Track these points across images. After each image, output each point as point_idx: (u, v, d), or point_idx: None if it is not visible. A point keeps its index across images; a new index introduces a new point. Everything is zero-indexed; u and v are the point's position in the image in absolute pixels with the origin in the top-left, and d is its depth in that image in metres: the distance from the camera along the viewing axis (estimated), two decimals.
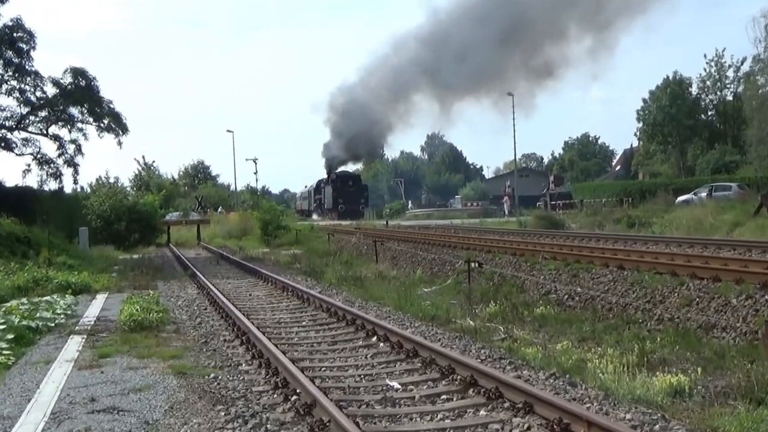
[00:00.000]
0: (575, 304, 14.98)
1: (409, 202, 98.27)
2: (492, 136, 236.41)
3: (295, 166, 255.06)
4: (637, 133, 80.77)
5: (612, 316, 13.59)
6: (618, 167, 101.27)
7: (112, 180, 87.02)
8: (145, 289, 19.53)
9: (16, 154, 36.31)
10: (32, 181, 58.18)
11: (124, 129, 37.93)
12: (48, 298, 17.05)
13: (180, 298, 18.18)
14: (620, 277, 15.55)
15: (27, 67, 34.73)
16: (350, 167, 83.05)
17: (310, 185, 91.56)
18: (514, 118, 73.05)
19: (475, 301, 16.25)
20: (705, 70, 72.87)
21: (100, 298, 18.31)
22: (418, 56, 73.40)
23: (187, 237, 52.74)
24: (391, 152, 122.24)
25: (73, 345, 11.63)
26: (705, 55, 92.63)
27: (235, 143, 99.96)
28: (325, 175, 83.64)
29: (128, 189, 76.47)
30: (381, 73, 78.06)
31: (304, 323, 13.75)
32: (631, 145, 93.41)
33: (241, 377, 9.09)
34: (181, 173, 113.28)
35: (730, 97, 71.37)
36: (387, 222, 53.55)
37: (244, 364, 9.90)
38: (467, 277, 18.13)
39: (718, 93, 72.23)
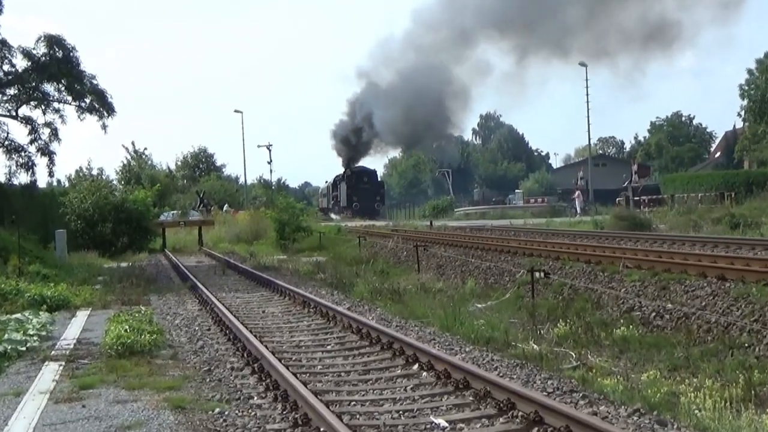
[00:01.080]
0: (665, 324, 15.00)
1: (459, 197, 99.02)
2: (567, 116, 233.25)
3: (318, 154, 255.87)
4: (741, 113, 79.12)
5: (711, 338, 13.60)
6: (718, 154, 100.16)
7: (95, 172, 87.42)
8: (136, 304, 19.72)
9: None
10: None
11: (110, 110, 38.03)
12: (18, 315, 17.20)
13: (178, 316, 18.35)
14: (721, 291, 15.48)
15: None
16: (373, 161, 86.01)
17: (332, 180, 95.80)
18: (587, 93, 72.22)
19: (541, 319, 16.35)
20: None
21: (81, 316, 18.44)
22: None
23: (187, 241, 53.31)
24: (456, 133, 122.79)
25: (49, 373, 11.75)
26: None
27: (244, 126, 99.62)
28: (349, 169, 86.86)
29: (115, 183, 76.75)
30: (437, 32, 79.85)
31: (329, 347, 13.93)
32: (734, 126, 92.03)
33: (253, 413, 9.18)
34: (179, 163, 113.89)
35: None
36: (431, 222, 53.74)
37: (256, 397, 10.01)
38: (530, 290, 18.25)
39: None
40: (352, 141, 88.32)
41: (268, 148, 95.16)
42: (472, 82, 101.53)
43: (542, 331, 15.07)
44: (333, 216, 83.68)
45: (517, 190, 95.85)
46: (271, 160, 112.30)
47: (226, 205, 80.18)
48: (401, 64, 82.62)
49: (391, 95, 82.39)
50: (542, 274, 19.17)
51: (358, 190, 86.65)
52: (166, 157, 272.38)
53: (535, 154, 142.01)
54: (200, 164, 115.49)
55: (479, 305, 19.05)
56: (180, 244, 52.10)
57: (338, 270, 28.34)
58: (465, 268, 26.15)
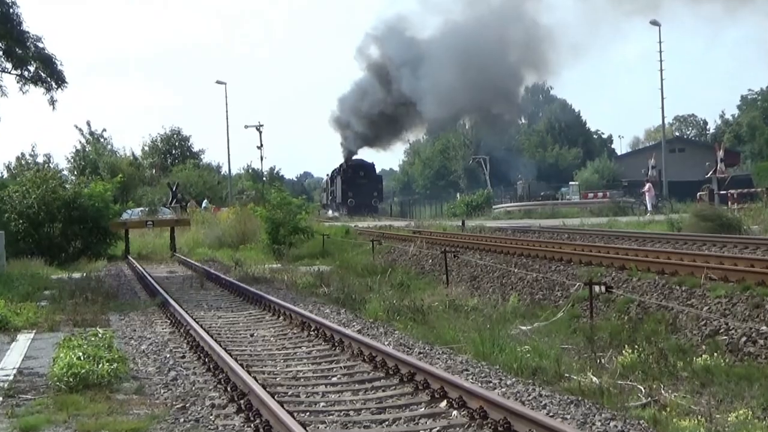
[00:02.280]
0: (758, 351, 14.97)
1: (498, 191, 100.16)
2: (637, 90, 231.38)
3: (321, 139, 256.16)
4: None
5: None
6: None
7: (41, 159, 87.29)
8: (92, 325, 19.86)
9: None
10: None
11: (60, 80, 37.72)
12: None
13: (145, 340, 18.51)
14: None
15: None
16: (378, 155, 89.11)
17: (331, 172, 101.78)
18: (661, 57, 72.03)
19: (601, 345, 16.50)
20: None
21: (23, 340, 18.64)
22: None
23: (156, 246, 53.77)
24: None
25: None
26: None
27: (228, 103, 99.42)
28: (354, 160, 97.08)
29: (65, 173, 76.79)
30: None
31: (334, 379, 14.06)
32: None
33: None
34: (146, 149, 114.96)
35: None
36: (463, 222, 53.28)
37: None
38: (588, 308, 18.44)
39: None
40: (359, 121, 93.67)
41: (258, 129, 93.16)
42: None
43: (603, 360, 15.28)
44: (330, 213, 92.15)
45: (571, 183, 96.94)
46: (261, 145, 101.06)
47: (205, 201, 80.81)
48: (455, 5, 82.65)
49: (438, 50, 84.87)
50: (603, 289, 19.39)
51: (354, 184, 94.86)
52: (130, 140, 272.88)
53: (595, 136, 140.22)
54: (173, 149, 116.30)
55: (523, 327, 19.27)
56: (147, 249, 52.46)
57: (346, 282, 28.53)
58: (506, 281, 26.39)
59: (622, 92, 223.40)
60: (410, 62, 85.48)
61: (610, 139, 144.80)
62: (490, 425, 10.27)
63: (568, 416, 10.86)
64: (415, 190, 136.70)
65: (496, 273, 27.31)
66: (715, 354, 14.94)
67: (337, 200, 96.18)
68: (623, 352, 15.33)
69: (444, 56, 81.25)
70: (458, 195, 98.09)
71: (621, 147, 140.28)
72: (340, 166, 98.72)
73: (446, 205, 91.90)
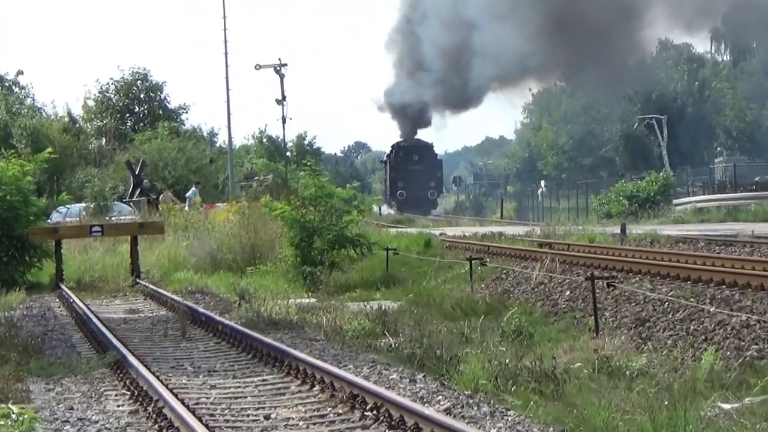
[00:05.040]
0: None
1: (681, 176, 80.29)
2: None
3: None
4: None
5: None
6: None
7: None
8: (1, 400, 16.28)
9: None
10: None
11: None
12: None
13: (88, 427, 14.80)
14: None
15: None
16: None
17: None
18: None
19: None
20: None
21: None
22: None
23: (107, 268, 43.56)
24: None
25: None
26: None
27: (227, 31, 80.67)
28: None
29: None
30: None
31: None
32: None
33: None
34: (90, 104, 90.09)
35: None
36: (624, 228, 41.94)
37: None
38: None
39: None
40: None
41: (278, 72, 70.29)
42: None
43: None
44: (384, 209, 79.20)
45: None
46: (284, 98, 72.73)
47: (192, 190, 62.23)
48: None
49: None
50: None
51: (404, 173, 79.40)
52: (63, 92, 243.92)
53: None
54: (136, 105, 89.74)
55: (726, 405, 15.00)
56: (93, 273, 42.35)
57: (426, 329, 22.61)
58: (697, 326, 20.23)
59: None
60: None
61: None
62: None
63: None
64: (542, 171, 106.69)
65: (678, 313, 21.36)
66: None
67: (387, 192, 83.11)
68: None
69: None
70: (619, 182, 72.02)
71: None
72: (392, 147, 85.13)
73: (594, 199, 69.72)
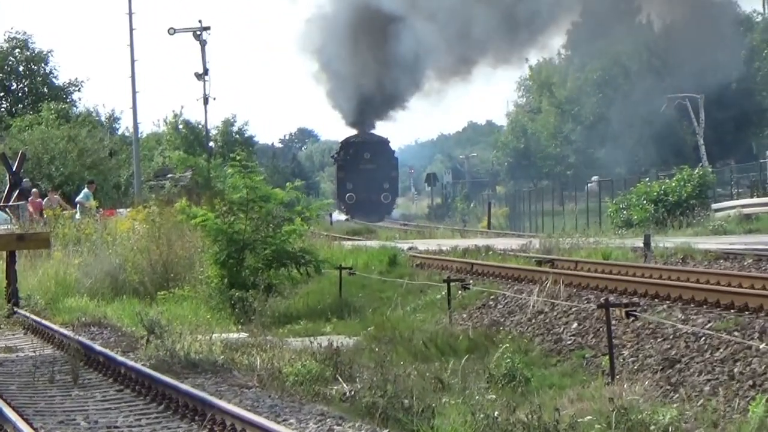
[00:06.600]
0: None
1: (722, 172, 77.36)
2: None
3: None
4: None
5: None
6: None
7: None
8: None
9: None
10: None
11: None
12: None
13: None
14: None
15: None
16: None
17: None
18: None
19: None
20: None
21: None
22: None
23: None
24: None
25: None
26: None
27: None
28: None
29: None
30: None
31: None
32: None
33: None
34: None
35: None
36: (648, 240, 37.25)
37: None
38: None
39: None
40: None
41: (197, 38, 63.06)
42: None
43: None
44: (339, 216, 78.67)
45: None
46: (206, 71, 64.21)
47: (83, 193, 56.58)
48: None
49: None
50: None
51: (354, 173, 76.09)
52: None
53: None
54: (14, 81, 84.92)
55: None
56: None
57: (390, 372, 19.40)
58: (742, 368, 17.45)
59: None
60: None
61: None
62: None
63: None
64: (541, 167, 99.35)
65: (719, 352, 18.35)
66: None
67: (336, 195, 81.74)
68: None
69: None
70: (642, 180, 64.94)
71: None
72: (341, 144, 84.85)
73: (609, 203, 64.46)
